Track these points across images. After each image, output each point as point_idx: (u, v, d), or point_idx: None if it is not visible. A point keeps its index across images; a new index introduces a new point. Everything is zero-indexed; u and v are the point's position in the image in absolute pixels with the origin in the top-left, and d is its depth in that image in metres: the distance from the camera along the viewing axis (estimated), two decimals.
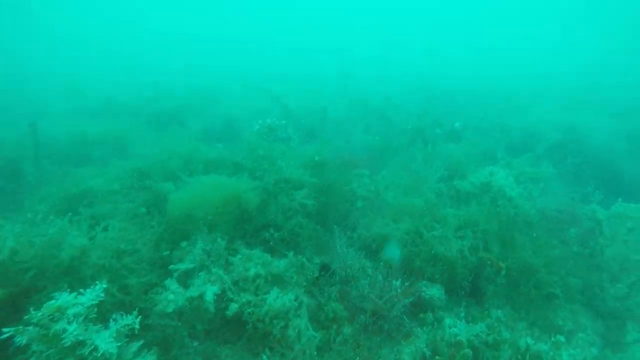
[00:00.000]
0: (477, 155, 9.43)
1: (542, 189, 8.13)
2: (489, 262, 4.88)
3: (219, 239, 4.67)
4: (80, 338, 2.83)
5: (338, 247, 4.73)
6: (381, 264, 4.87)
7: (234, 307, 4.05)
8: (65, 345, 2.79)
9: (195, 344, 4.09)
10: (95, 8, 63.09)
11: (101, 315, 3.24)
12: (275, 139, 9.94)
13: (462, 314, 4.56)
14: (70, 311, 2.90)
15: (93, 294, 3.06)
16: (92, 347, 2.86)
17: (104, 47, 38.52)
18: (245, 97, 17.83)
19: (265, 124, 10.33)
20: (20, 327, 2.78)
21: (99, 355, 2.85)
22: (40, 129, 10.53)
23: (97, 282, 3.22)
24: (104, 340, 2.94)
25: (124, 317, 3.19)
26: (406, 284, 4.43)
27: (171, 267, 4.34)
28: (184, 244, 4.70)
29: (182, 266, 4.37)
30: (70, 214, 4.68)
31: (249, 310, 4.04)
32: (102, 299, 3.13)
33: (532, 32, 62.96)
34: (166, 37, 50.48)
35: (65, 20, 53.99)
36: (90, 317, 2.99)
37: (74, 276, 3.84)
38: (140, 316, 3.23)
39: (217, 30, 61.74)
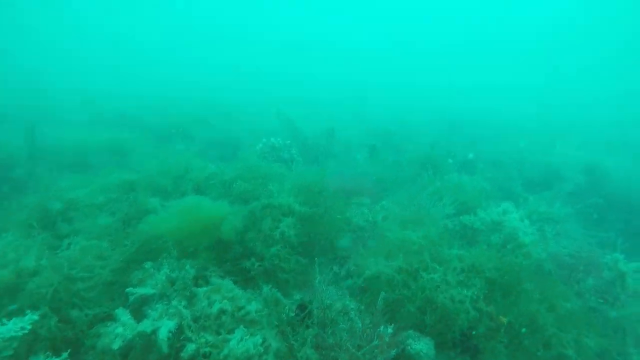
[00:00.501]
0: (490, 190, 8.84)
1: (558, 230, 7.48)
2: (489, 316, 4.27)
3: (187, 267, 4.24)
4: None
5: (317, 283, 4.22)
6: (364, 307, 4.33)
7: (190, 347, 3.57)
8: None
9: None
10: (103, 24, 65.70)
11: (31, 352, 2.84)
12: (277, 159, 9.60)
13: None
14: None
15: (14, 326, 2.66)
16: None
17: (118, 62, 39.69)
18: (260, 115, 17.76)
19: (268, 143, 10.02)
20: None
21: None
22: (47, 136, 10.55)
23: (28, 312, 2.83)
24: None
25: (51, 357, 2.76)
26: (389, 330, 3.87)
27: (128, 289, 3.91)
28: (148, 264, 4.28)
29: (141, 290, 3.94)
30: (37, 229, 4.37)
31: (205, 350, 3.55)
32: (26, 331, 2.72)
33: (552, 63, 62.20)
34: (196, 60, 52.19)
35: (80, 36, 56.21)
36: (4, 354, 2.58)
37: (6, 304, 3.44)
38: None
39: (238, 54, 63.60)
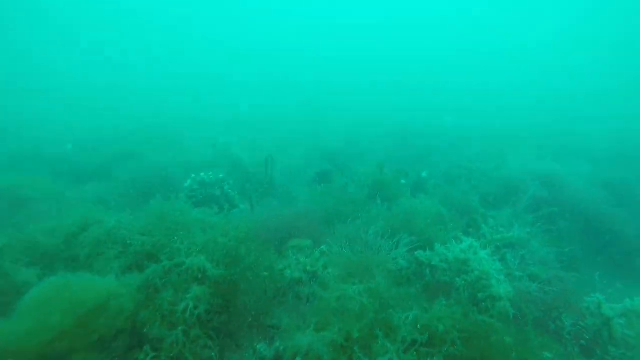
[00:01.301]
0: (447, 214, 8.01)
1: (522, 256, 6.72)
2: None
3: None
4: None
5: None
6: None
7: None
8: None
9: None
10: None
11: None
12: (207, 197, 8.35)
13: None
14: None
15: None
16: None
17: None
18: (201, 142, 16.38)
19: (197, 179, 8.75)
20: None
21: None
22: None
23: None
24: None
25: None
26: None
27: None
28: None
29: None
30: None
31: None
32: None
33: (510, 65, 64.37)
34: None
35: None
36: None
37: None
38: None
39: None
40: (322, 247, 5.86)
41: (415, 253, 5.96)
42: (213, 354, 3.95)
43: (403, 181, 10.58)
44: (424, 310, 4.12)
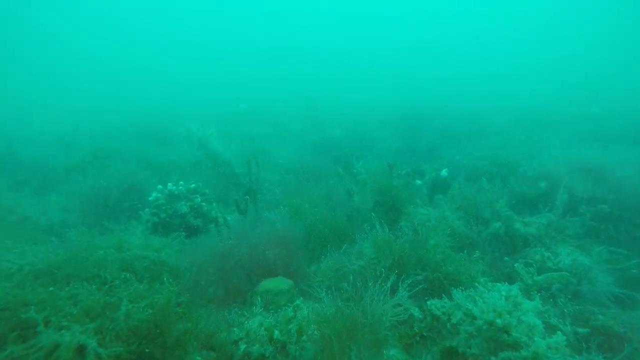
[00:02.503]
0: (468, 234, 6.30)
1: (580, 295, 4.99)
2: None
3: None
4: None
5: None
6: None
7: None
8: None
9: None
10: None
11: None
12: (173, 216, 6.84)
13: None
14: None
15: None
16: None
17: None
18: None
19: (165, 191, 7.23)
20: None
21: None
22: None
23: None
24: None
25: None
26: None
27: None
28: None
29: None
30: None
31: None
32: None
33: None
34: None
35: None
36: None
37: None
38: None
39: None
40: (297, 301, 4.25)
41: (428, 303, 4.31)
42: None
43: (418, 182, 8.84)
44: None
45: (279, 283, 4.74)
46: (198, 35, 74.82)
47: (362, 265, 4.84)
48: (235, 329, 3.85)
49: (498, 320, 3.55)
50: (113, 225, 6.27)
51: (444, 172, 8.97)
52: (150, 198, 7.16)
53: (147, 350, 3.13)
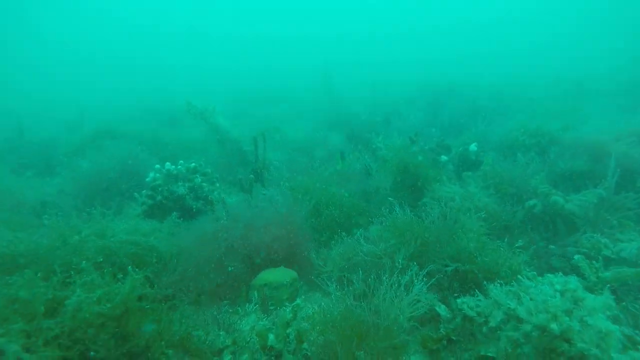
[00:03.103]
0: (504, 213, 5.41)
1: None
2: None
3: None
4: None
5: None
6: None
7: None
8: None
9: None
10: None
11: None
12: (168, 197, 6.22)
13: None
14: None
15: None
16: None
17: None
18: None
19: (163, 171, 6.61)
20: None
21: None
22: None
23: None
24: None
25: None
26: None
27: None
28: None
29: None
30: None
31: None
32: None
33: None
34: None
35: None
36: None
37: None
38: None
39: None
40: (298, 300, 3.54)
41: (458, 301, 3.52)
42: None
43: (444, 158, 7.91)
44: None
45: (280, 275, 4.04)
46: (223, 28, 73.02)
47: (378, 253, 4.06)
48: (222, 332, 3.18)
49: (553, 325, 2.73)
50: (106, 208, 5.71)
51: (473, 147, 7.99)
52: (147, 179, 6.57)
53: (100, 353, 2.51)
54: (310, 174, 6.69)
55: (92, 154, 7.83)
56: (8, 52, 51.15)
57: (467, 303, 3.43)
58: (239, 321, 3.56)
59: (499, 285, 3.36)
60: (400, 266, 3.63)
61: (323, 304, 3.41)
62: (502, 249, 3.81)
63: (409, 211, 4.36)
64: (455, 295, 3.75)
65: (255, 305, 3.71)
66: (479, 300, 3.41)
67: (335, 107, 12.89)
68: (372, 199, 6.49)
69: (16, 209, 6.48)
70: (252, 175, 5.94)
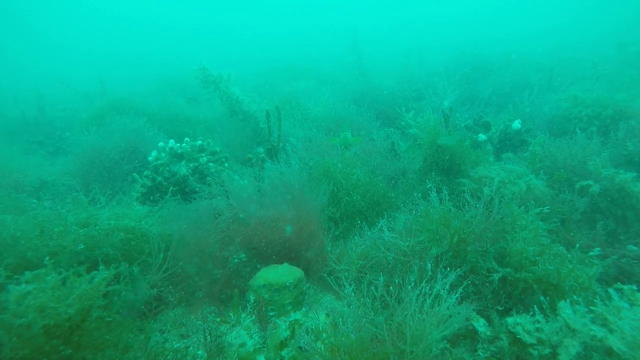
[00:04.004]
0: (555, 196, 4.45)
1: None
2: None
3: None
4: None
5: None
6: None
7: None
8: None
9: None
10: None
11: None
12: (169, 179, 5.62)
13: None
14: None
15: None
16: None
17: None
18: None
19: (167, 149, 6.01)
20: None
21: None
22: None
23: None
24: None
25: None
26: None
27: None
28: None
29: None
30: None
31: None
32: None
33: None
34: None
35: None
36: None
37: None
38: None
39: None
40: (295, 315, 2.82)
41: (509, 321, 2.69)
42: None
43: (482, 136, 6.92)
44: None
45: (283, 273, 3.33)
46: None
47: (405, 249, 3.28)
48: (199, 352, 2.52)
49: None
50: (105, 190, 5.18)
51: (516, 124, 6.93)
52: (149, 158, 5.99)
53: None
54: (331, 154, 5.90)
55: (94, 131, 7.31)
56: (33, 28, 51.64)
57: (522, 324, 2.60)
58: (229, 331, 2.90)
59: (567, 301, 2.51)
60: (430, 272, 2.83)
61: (333, 317, 2.68)
62: (567, 254, 2.91)
63: (447, 198, 3.51)
64: (499, 308, 2.93)
65: (250, 311, 3.04)
66: (539, 319, 2.58)
67: (365, 81, 11.85)
68: (400, 183, 5.67)
69: (14, 189, 6.09)
70: (262, 154, 5.21)
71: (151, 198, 5.44)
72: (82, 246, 3.36)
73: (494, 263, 2.94)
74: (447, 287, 2.57)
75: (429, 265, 2.84)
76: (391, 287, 2.71)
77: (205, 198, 4.55)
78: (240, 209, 3.98)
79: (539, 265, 2.72)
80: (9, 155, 7.82)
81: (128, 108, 9.57)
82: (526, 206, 3.21)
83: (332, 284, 3.17)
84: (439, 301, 2.55)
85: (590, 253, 3.03)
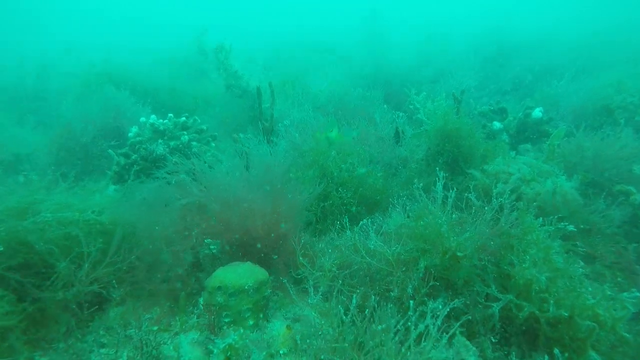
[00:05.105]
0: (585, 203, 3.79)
1: None
2: None
3: None
4: None
5: None
6: None
7: None
8: None
9: None
10: None
11: None
12: (147, 159, 5.14)
13: None
14: None
15: None
16: None
17: None
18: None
19: (148, 125, 5.53)
20: None
21: None
22: None
23: None
24: None
25: None
26: None
27: None
28: None
29: None
30: None
31: None
32: None
33: None
34: None
35: None
36: None
37: None
38: None
39: None
40: (236, 333, 2.31)
41: None
42: None
43: (497, 125, 6.21)
44: None
45: (243, 275, 2.83)
46: None
47: (388, 257, 2.73)
48: None
49: None
50: (75, 171, 4.74)
51: (537, 112, 6.19)
52: (129, 134, 5.51)
53: None
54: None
55: (73, 103, 6.83)
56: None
57: None
58: (170, 341, 2.44)
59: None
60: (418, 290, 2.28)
61: (294, 331, 2.18)
62: (587, 286, 2.26)
63: (451, 202, 2.87)
64: (494, 341, 2.37)
65: (198, 318, 2.57)
66: None
67: (380, 61, 11.07)
68: (399, 173, 5.06)
69: None
70: (241, 135, 4.68)
71: (126, 178, 4.99)
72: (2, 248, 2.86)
73: (493, 288, 2.35)
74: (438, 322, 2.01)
75: (409, 289, 2.27)
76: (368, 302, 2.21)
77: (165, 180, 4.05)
78: (207, 198, 3.48)
79: (550, 302, 2.11)
80: None
81: (125, 78, 9.05)
82: (545, 215, 2.59)
83: (292, 293, 2.69)
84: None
85: (624, 294, 2.35)
